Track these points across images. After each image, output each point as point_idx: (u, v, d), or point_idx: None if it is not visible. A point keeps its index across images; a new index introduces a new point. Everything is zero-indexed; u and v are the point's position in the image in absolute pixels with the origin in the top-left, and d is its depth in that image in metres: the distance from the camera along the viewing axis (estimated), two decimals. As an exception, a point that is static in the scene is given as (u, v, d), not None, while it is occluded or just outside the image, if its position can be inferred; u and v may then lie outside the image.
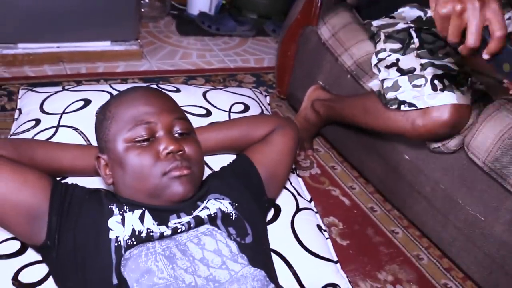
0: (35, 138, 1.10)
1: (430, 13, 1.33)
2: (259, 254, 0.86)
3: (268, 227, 1.03)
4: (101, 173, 0.90)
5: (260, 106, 1.37)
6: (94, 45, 2.01)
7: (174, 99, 0.96)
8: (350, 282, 1.04)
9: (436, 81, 1.19)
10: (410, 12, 1.35)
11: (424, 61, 1.24)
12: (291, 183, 1.18)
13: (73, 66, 1.97)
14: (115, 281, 0.74)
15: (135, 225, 0.80)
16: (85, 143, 1.10)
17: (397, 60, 1.30)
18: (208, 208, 0.85)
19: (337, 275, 1.03)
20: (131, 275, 0.74)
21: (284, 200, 1.12)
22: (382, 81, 1.31)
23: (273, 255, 0.98)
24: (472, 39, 0.78)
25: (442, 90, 1.18)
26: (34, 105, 1.22)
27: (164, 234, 0.79)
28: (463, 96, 1.19)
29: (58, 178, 0.95)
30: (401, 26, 1.34)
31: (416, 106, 1.22)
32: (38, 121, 1.16)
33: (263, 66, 2.30)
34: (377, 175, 1.52)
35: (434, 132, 1.21)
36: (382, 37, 1.38)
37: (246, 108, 1.33)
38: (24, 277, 0.85)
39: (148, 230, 0.79)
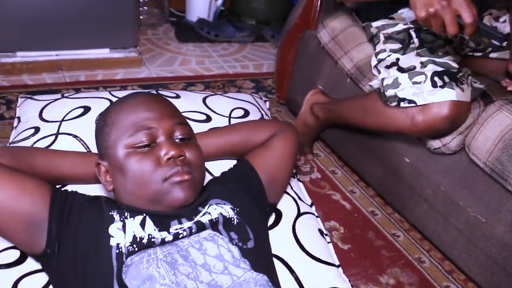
0: (34, 146, 1.10)
1: None
2: (261, 259, 0.85)
3: (270, 232, 1.02)
4: (101, 180, 0.90)
5: (260, 111, 1.37)
6: (93, 53, 2.02)
7: (174, 105, 0.96)
8: (352, 286, 1.04)
9: (436, 78, 1.20)
10: (409, 13, 1.36)
11: (424, 59, 1.25)
12: (292, 188, 1.18)
13: (72, 74, 1.97)
14: (116, 288, 0.74)
15: (136, 231, 0.79)
16: (84, 150, 1.10)
17: (397, 59, 1.30)
18: (209, 213, 0.85)
19: (339, 280, 1.03)
20: (132, 282, 0.73)
21: (285, 205, 1.12)
22: (382, 79, 1.31)
23: (275, 260, 0.98)
24: (451, 30, 0.99)
25: (442, 86, 1.18)
26: (33, 113, 1.22)
27: (166, 239, 0.79)
28: (463, 94, 1.19)
29: (58, 186, 0.95)
30: (400, 27, 1.35)
31: (415, 103, 1.22)
32: (37, 129, 1.16)
33: (262, 71, 2.31)
34: (378, 178, 1.52)
35: (434, 128, 1.21)
36: (382, 38, 1.39)
37: (246, 113, 1.33)
38: (24, 287, 0.84)
39: (150, 236, 0.79)
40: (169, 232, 0.80)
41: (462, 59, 1.37)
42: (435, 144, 1.27)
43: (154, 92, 1.33)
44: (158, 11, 2.56)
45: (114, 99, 1.25)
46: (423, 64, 1.24)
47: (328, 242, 1.13)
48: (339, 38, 1.57)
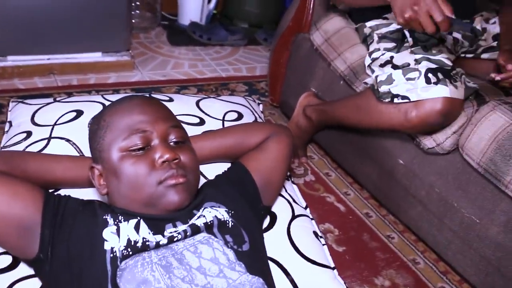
0: (26, 150, 1.09)
1: None
2: (257, 262, 0.85)
3: (265, 234, 1.02)
4: (95, 184, 0.89)
5: (253, 114, 1.37)
6: (85, 57, 2.01)
7: (169, 108, 0.96)
8: (347, 288, 1.04)
9: (430, 74, 1.20)
10: None
11: (418, 56, 1.26)
12: (286, 191, 1.17)
13: (64, 78, 1.96)
14: (111, 292, 0.73)
15: (130, 235, 0.79)
16: (77, 155, 1.09)
17: (391, 57, 1.31)
18: (204, 216, 0.84)
19: (335, 282, 1.03)
20: (127, 286, 0.73)
21: (280, 208, 1.11)
22: (376, 77, 1.32)
23: (270, 263, 0.97)
24: (428, 29, 1.07)
25: (436, 83, 1.19)
26: (25, 117, 1.21)
27: (160, 243, 0.78)
28: (456, 91, 1.20)
29: (51, 190, 0.94)
30: (394, 26, 1.36)
31: (409, 99, 1.22)
32: (29, 133, 1.15)
33: (255, 74, 2.31)
34: (372, 180, 1.52)
35: (427, 123, 1.21)
36: (376, 38, 1.40)
37: (240, 116, 1.33)
38: (17, 292, 0.83)
39: (144, 240, 0.78)
40: (163, 236, 0.80)
41: (455, 59, 1.38)
42: (429, 143, 1.28)
43: (147, 95, 1.32)
44: (150, 15, 2.55)
45: (107, 103, 1.24)
46: (417, 61, 1.25)
47: (323, 244, 1.13)
48: (332, 40, 1.58)
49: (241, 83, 2.18)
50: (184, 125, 0.96)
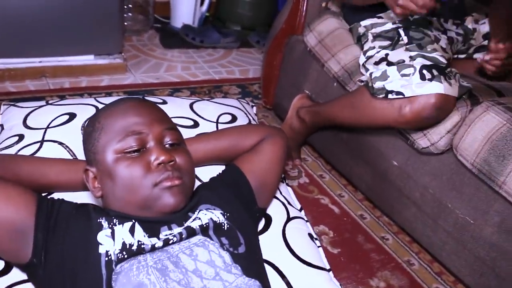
0: (19, 153, 1.08)
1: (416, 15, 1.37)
2: (253, 264, 0.85)
3: (260, 237, 1.02)
4: (89, 186, 0.88)
5: (247, 116, 1.37)
6: (77, 59, 2.00)
7: (164, 110, 0.95)
8: (343, 289, 1.04)
9: (424, 71, 1.21)
10: None
11: (413, 53, 1.27)
12: (281, 193, 1.17)
13: (56, 81, 1.95)
14: (106, 296, 0.72)
15: (125, 238, 0.78)
16: (71, 158, 1.08)
17: (386, 55, 1.32)
18: (199, 218, 0.84)
19: (330, 284, 1.03)
20: (122, 290, 0.72)
21: (275, 210, 1.11)
22: (371, 73, 1.32)
23: (266, 265, 0.97)
24: (421, 10, 1.17)
25: (430, 80, 1.20)
26: (17, 120, 1.20)
27: (156, 246, 0.78)
28: (451, 88, 1.20)
29: (44, 194, 0.93)
30: (389, 26, 1.37)
31: (403, 94, 1.23)
32: (21, 137, 1.14)
33: (248, 77, 2.30)
34: (366, 182, 1.52)
35: (421, 117, 1.22)
36: (370, 37, 1.41)
37: (234, 118, 1.32)
38: (10, 297, 0.83)
39: (139, 243, 0.78)
40: (159, 238, 0.79)
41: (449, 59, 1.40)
42: (423, 143, 1.28)
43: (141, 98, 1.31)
44: (143, 17, 2.55)
45: (100, 106, 1.24)
46: (412, 58, 1.26)
47: (318, 246, 1.13)
48: (326, 41, 1.58)
49: (234, 86, 2.18)
50: (178, 128, 0.96)
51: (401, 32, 1.33)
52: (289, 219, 1.11)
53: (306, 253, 1.05)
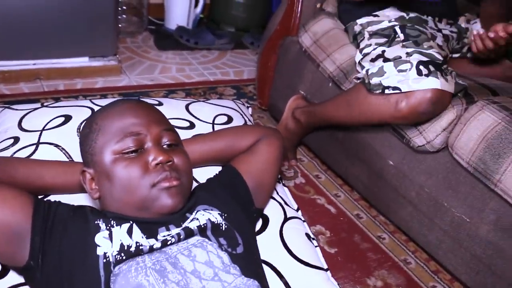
0: (14, 156, 1.07)
1: (412, 14, 1.40)
2: (251, 264, 0.85)
3: (257, 237, 1.02)
4: (86, 188, 0.88)
5: (243, 117, 1.37)
6: (72, 61, 1.99)
7: (161, 112, 0.95)
8: (341, 289, 1.04)
9: (421, 67, 1.22)
10: (393, 11, 1.40)
11: (410, 50, 1.27)
12: (277, 193, 1.17)
13: (51, 83, 1.94)
14: (105, 298, 0.72)
15: (123, 239, 0.78)
16: (67, 160, 1.08)
17: (383, 51, 1.32)
18: (197, 219, 0.84)
19: (328, 283, 1.03)
20: (121, 292, 0.72)
21: (272, 210, 1.11)
22: (367, 70, 1.33)
23: (264, 266, 0.97)
24: None
25: (427, 75, 1.20)
26: (12, 123, 1.19)
27: (154, 247, 0.78)
28: (447, 84, 1.21)
29: (41, 196, 0.93)
30: (385, 24, 1.38)
31: (400, 90, 1.23)
32: (17, 139, 1.13)
33: (243, 78, 2.31)
34: (362, 182, 1.52)
35: (417, 111, 1.22)
36: (367, 35, 1.42)
37: (230, 119, 1.33)
38: (7, 301, 0.82)
39: (137, 244, 0.78)
40: (157, 239, 0.79)
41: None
42: (419, 141, 1.29)
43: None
44: (137, 19, 2.54)
45: (95, 108, 1.23)
46: (409, 54, 1.26)
47: (316, 246, 1.13)
48: (321, 41, 1.58)
49: (229, 87, 2.18)
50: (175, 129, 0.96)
51: (397, 29, 1.34)
52: (286, 219, 1.11)
53: (304, 253, 1.05)
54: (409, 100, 1.21)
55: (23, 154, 1.08)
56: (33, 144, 1.11)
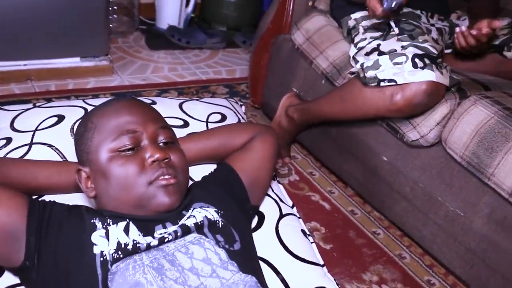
0: (7, 156, 1.06)
1: (405, 9, 1.40)
2: (248, 260, 0.85)
3: (254, 234, 1.02)
4: (82, 187, 0.88)
5: (236, 115, 1.37)
6: (63, 62, 1.98)
7: (156, 110, 0.95)
8: (337, 284, 1.04)
9: (417, 59, 1.23)
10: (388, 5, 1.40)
11: (405, 43, 1.28)
12: (272, 190, 1.17)
13: (42, 83, 1.93)
14: (102, 297, 0.72)
15: (120, 237, 0.77)
16: (61, 160, 1.07)
17: (378, 45, 1.33)
18: (194, 216, 0.84)
19: (325, 279, 1.03)
20: (119, 290, 0.71)
21: (267, 207, 1.11)
22: (362, 64, 1.33)
23: (260, 263, 0.97)
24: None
25: (422, 68, 1.21)
26: (4, 123, 1.18)
27: (151, 244, 0.78)
28: (442, 76, 1.22)
29: (35, 197, 0.92)
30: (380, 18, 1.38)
31: (396, 82, 1.24)
32: (9, 140, 1.12)
33: (235, 77, 2.31)
34: (356, 178, 1.53)
35: (412, 103, 1.23)
36: (361, 30, 1.42)
37: (223, 117, 1.32)
38: (2, 302, 0.82)
39: (134, 242, 0.77)
40: (153, 237, 0.79)
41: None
42: (413, 136, 1.29)
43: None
44: (128, 19, 2.53)
45: (88, 107, 1.23)
46: (404, 47, 1.27)
47: (312, 242, 1.13)
48: (314, 38, 1.59)
49: (222, 86, 2.18)
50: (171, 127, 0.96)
51: (392, 23, 1.34)
52: (281, 216, 1.11)
53: (300, 249, 1.05)
54: (405, 92, 1.22)
55: (16, 154, 1.07)
56: (26, 145, 1.10)
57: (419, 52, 1.24)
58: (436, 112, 1.25)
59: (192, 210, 0.85)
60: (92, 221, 0.80)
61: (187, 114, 1.29)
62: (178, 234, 0.80)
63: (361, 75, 1.32)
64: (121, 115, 0.86)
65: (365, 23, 1.42)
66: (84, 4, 1.89)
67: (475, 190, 1.20)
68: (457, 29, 1.34)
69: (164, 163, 0.83)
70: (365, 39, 1.38)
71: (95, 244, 0.77)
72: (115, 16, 2.46)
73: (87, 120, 0.89)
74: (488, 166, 1.14)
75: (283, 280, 0.98)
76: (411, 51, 1.25)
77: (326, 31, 1.58)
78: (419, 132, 1.28)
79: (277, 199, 1.16)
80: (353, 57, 1.42)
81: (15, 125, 1.17)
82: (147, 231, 0.80)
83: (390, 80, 1.24)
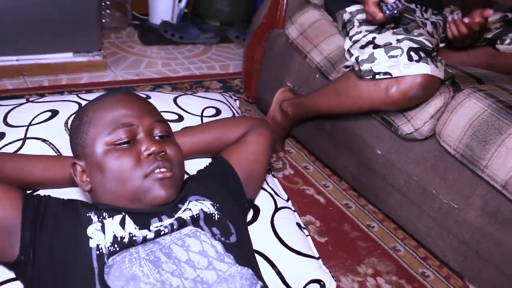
0: (1, 151, 1.06)
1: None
2: (244, 253, 0.85)
3: (249, 227, 1.02)
4: (77, 181, 0.87)
5: (231, 109, 1.37)
6: (56, 57, 1.97)
7: (152, 104, 0.95)
8: (333, 277, 1.05)
9: (412, 53, 1.23)
10: None
11: (400, 37, 1.28)
12: (268, 184, 1.18)
13: (35, 79, 1.91)
14: (99, 290, 0.72)
15: (116, 231, 0.77)
16: (55, 154, 1.07)
17: (373, 38, 1.33)
18: (190, 209, 0.84)
19: (320, 271, 1.04)
20: (115, 283, 0.71)
21: (263, 201, 1.12)
22: (357, 57, 1.33)
23: (256, 255, 0.97)
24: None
25: (417, 61, 1.22)
26: (-4, 119, 1.18)
27: (147, 237, 0.78)
28: (437, 70, 1.23)
29: (30, 191, 0.92)
30: None
31: (391, 75, 1.24)
32: (2, 135, 1.12)
33: (229, 72, 2.30)
34: (350, 172, 1.54)
35: (408, 96, 1.23)
36: (356, 23, 1.42)
37: (218, 112, 1.32)
38: (-3, 297, 0.81)
39: (130, 235, 0.77)
40: (149, 230, 0.79)
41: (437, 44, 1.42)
42: (407, 129, 1.30)
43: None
44: (120, 14, 2.52)
45: (82, 102, 1.22)
46: (399, 41, 1.27)
47: (307, 235, 1.14)
48: (308, 32, 1.59)
49: (215, 81, 2.17)
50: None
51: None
52: (277, 209, 1.12)
53: (295, 242, 1.06)
54: (400, 85, 1.23)
55: (10, 149, 1.06)
56: (20, 140, 1.09)
57: (414, 45, 1.25)
58: (430, 106, 1.26)
59: (188, 203, 0.86)
60: (87, 214, 0.80)
61: (181, 109, 1.29)
62: (174, 227, 0.80)
63: (356, 68, 1.32)
64: (117, 108, 0.86)
65: (360, 16, 1.43)
66: (76, -1, 1.88)
67: (469, 182, 1.21)
68: (449, 17, 1.35)
69: (160, 156, 0.83)
70: (360, 32, 1.38)
71: (91, 238, 0.77)
72: (107, 11, 2.44)
73: (83, 114, 0.88)
74: (481, 158, 1.15)
75: (278, 273, 0.98)
76: (406, 44, 1.25)
77: (320, 25, 1.58)
78: (413, 125, 1.29)
79: (272, 192, 1.16)
80: (348, 50, 1.42)
81: (8, 120, 1.16)
82: (143, 224, 0.80)
83: (385, 73, 1.25)
